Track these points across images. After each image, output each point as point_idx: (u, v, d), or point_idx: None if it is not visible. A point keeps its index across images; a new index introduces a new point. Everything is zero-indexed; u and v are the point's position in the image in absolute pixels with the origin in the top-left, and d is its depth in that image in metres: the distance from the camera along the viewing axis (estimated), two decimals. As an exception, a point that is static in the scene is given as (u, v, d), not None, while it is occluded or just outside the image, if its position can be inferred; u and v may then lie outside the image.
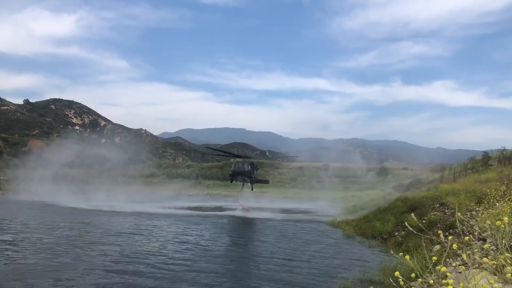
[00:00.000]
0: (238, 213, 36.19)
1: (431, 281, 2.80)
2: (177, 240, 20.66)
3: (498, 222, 3.38)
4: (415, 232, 4.07)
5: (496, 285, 2.56)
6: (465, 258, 2.92)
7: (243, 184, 39.17)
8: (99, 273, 13.30)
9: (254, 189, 44.20)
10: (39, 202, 41.94)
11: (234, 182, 40.36)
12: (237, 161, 39.71)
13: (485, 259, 2.93)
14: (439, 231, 3.43)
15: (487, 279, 2.76)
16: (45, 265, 14.18)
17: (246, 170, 37.26)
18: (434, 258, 3.05)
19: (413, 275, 3.12)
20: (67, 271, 13.32)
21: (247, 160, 40.16)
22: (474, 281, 2.55)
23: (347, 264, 15.27)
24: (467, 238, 3.22)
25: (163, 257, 16.15)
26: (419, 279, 3.17)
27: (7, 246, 17.48)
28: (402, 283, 2.84)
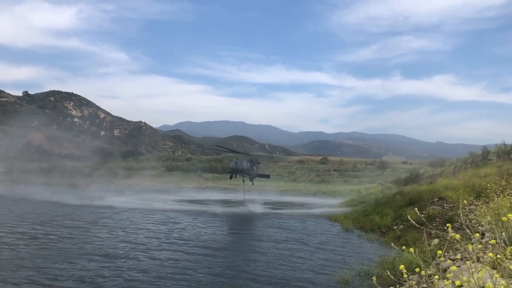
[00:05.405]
0: (239, 208, 36.40)
1: (436, 276, 2.76)
2: (171, 233, 20.71)
3: (505, 218, 3.33)
4: (417, 225, 4.04)
5: (502, 282, 2.52)
6: (470, 249, 2.88)
7: (243, 180, 39.51)
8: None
9: (255, 183, 44.45)
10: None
11: (234, 178, 40.53)
12: (236, 158, 39.98)
13: (490, 254, 2.90)
14: (448, 225, 3.39)
15: (489, 273, 2.74)
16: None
17: (245, 168, 37.79)
18: (439, 251, 3.01)
19: (417, 269, 3.09)
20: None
21: (246, 157, 40.38)
22: (478, 274, 2.52)
23: (346, 257, 15.32)
24: (477, 234, 3.19)
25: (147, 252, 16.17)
26: (422, 271, 3.14)
27: None
28: (405, 275, 2.81)
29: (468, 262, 2.64)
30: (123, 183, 62.94)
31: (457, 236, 2.97)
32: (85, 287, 11.18)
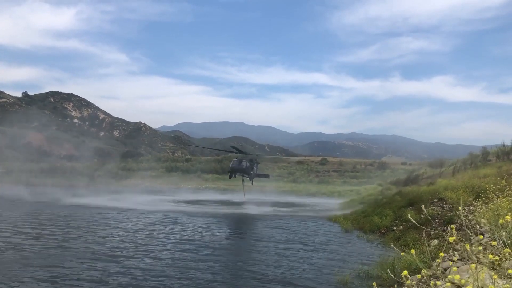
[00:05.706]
0: (239, 208, 36.43)
1: (438, 282, 2.76)
2: (172, 234, 20.70)
3: (501, 221, 3.34)
4: (418, 225, 4.05)
5: (506, 285, 2.52)
6: (468, 249, 2.89)
7: (243, 179, 39.58)
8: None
9: (255, 183, 44.55)
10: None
11: (233, 177, 40.57)
12: (236, 158, 40.04)
13: (490, 256, 2.90)
14: (452, 226, 3.40)
15: (489, 274, 2.74)
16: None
17: (244, 167, 37.88)
18: (441, 254, 3.01)
19: (418, 276, 3.10)
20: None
21: (246, 156, 40.47)
22: (477, 276, 2.53)
23: (346, 258, 15.33)
24: (481, 236, 3.18)
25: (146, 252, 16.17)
26: (424, 270, 3.14)
27: None
28: (408, 282, 2.81)
29: (472, 265, 2.64)
30: (122, 183, 62.93)
31: (451, 239, 2.96)
32: (89, 285, 11.18)
